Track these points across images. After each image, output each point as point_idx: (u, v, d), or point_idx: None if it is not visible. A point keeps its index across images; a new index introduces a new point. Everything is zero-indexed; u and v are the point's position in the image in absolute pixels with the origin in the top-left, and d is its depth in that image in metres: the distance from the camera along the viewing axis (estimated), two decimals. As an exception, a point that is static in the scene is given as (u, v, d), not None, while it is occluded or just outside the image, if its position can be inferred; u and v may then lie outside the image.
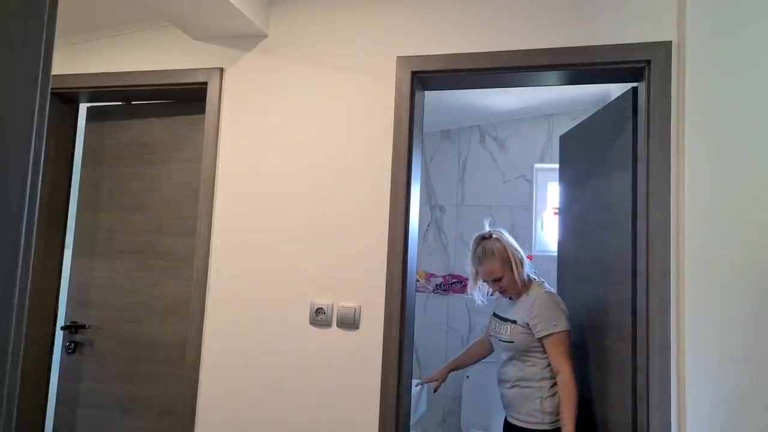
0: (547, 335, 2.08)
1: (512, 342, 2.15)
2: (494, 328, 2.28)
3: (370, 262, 2.09)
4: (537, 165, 3.86)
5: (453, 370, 2.53)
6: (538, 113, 3.81)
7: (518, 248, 2.22)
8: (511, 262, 2.17)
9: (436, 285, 3.98)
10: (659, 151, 1.85)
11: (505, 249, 2.18)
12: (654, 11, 1.91)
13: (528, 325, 2.12)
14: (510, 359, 2.19)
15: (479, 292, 2.31)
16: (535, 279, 2.24)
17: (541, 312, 2.11)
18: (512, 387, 2.17)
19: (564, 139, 2.74)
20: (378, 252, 2.08)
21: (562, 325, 2.10)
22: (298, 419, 2.11)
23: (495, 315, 2.32)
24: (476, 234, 2.28)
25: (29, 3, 0.56)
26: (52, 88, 0.60)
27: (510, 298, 2.25)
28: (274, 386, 2.15)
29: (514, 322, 2.17)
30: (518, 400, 2.16)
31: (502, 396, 2.25)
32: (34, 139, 0.55)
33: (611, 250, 2.13)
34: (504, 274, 2.17)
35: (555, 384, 2.10)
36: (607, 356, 2.13)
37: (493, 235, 2.22)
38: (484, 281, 2.25)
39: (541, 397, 2.11)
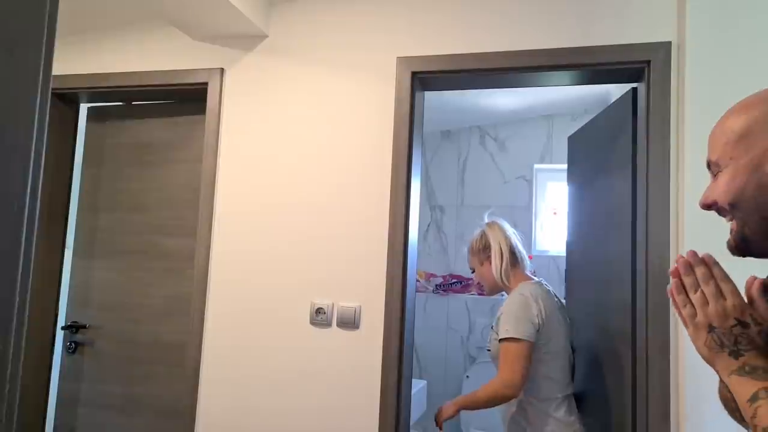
0: (501, 340, 1.85)
1: (489, 350, 1.99)
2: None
3: (370, 262, 2.10)
4: (537, 165, 3.87)
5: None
6: (538, 114, 3.81)
7: (506, 242, 2.01)
8: (481, 254, 2.04)
9: (436, 285, 3.98)
10: (658, 153, 1.85)
11: (478, 241, 2.06)
12: (654, 12, 1.92)
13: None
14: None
15: None
16: (530, 279, 2.03)
17: (503, 314, 1.90)
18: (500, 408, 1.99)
19: (571, 140, 2.76)
20: (378, 252, 2.09)
21: (519, 332, 1.81)
22: (297, 418, 2.11)
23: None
24: None
25: (30, 3, 0.55)
26: (52, 89, 0.60)
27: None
28: (274, 386, 2.15)
29: (491, 327, 2.01)
30: (506, 423, 2.02)
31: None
32: (34, 139, 0.55)
33: (614, 252, 2.13)
34: (474, 266, 2.10)
35: (542, 410, 1.90)
36: (608, 357, 2.13)
37: (484, 226, 2.11)
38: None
39: (526, 427, 1.93)
